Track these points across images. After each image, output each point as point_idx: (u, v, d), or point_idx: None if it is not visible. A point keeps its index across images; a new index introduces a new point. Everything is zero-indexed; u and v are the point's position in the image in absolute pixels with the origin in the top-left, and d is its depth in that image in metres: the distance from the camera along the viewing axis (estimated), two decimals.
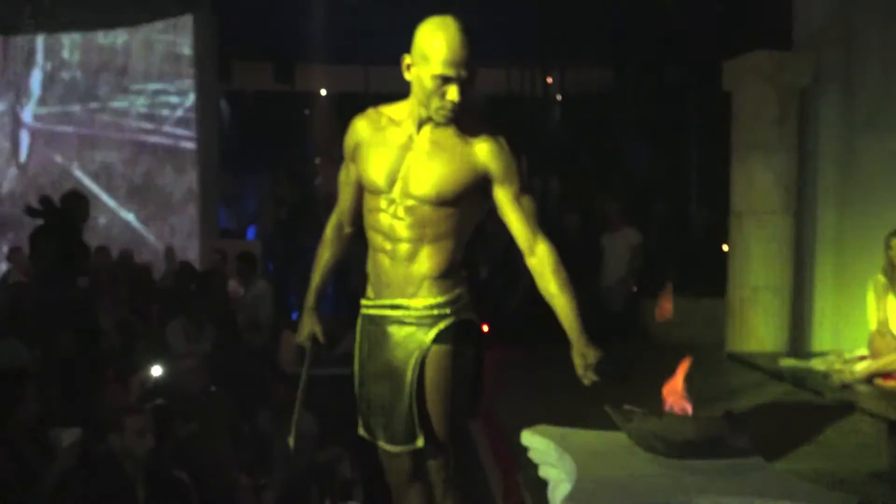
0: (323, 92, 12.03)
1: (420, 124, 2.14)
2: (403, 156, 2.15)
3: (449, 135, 2.13)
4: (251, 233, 11.00)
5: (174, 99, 7.78)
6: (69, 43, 7.55)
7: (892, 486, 2.91)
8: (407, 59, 2.09)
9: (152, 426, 3.07)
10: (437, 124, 2.12)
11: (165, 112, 7.78)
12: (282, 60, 10.86)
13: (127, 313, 5.11)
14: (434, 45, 2.01)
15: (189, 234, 7.80)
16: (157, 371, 3.58)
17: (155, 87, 7.76)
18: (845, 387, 4.26)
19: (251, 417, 4.63)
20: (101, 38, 7.56)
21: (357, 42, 9.62)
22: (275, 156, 12.00)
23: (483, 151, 2.12)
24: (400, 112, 2.19)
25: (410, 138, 2.16)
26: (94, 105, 7.60)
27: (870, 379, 4.30)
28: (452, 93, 2.03)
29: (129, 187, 7.69)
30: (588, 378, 1.96)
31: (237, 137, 11.26)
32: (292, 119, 12.20)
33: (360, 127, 2.23)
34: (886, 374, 4.29)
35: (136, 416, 3.07)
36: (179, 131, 7.84)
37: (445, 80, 2.02)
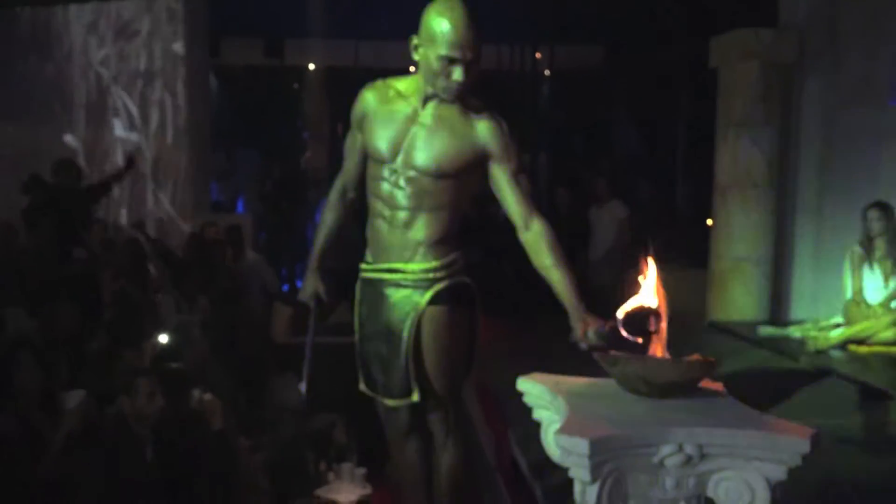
0: (312, 66, 12.05)
1: (425, 100, 2.26)
2: (408, 129, 2.27)
3: (452, 112, 2.25)
4: (240, 206, 11.10)
5: (164, 68, 7.78)
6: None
7: (861, 442, 3.12)
8: (414, 40, 2.20)
9: (162, 388, 3.20)
10: (442, 101, 2.23)
11: (156, 84, 7.80)
12: (271, 35, 10.88)
13: (122, 284, 5.18)
14: (440, 28, 2.12)
15: (181, 207, 7.86)
16: (164, 338, 3.70)
17: (144, 60, 7.76)
18: (820, 353, 4.45)
19: (247, 385, 4.76)
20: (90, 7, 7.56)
21: (347, 16, 9.64)
22: (264, 130, 12.04)
23: (483, 130, 2.24)
24: (408, 86, 2.30)
25: (416, 112, 2.28)
26: (89, 75, 7.63)
27: (844, 345, 4.49)
28: (458, 73, 2.14)
29: (121, 159, 7.74)
30: (588, 341, 2.01)
31: (227, 112, 11.29)
32: (282, 93, 12.24)
33: (369, 98, 2.34)
34: (860, 341, 4.49)
35: (148, 378, 3.20)
36: (170, 104, 7.86)
37: (451, 61, 2.13)
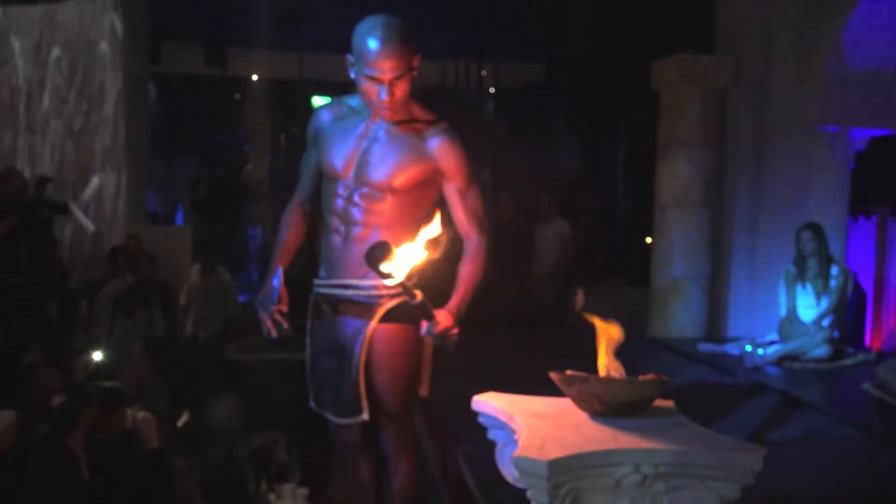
0: (255, 77, 11.88)
1: (376, 115, 2.25)
2: (360, 144, 2.26)
3: (405, 127, 2.24)
4: (179, 218, 10.81)
5: (102, 80, 7.56)
6: None
7: (795, 453, 3.22)
8: (350, 58, 2.18)
9: (96, 405, 3.06)
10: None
11: (91, 94, 7.55)
12: (213, 43, 10.68)
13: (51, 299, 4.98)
14: (364, 47, 2.11)
15: (116, 219, 7.61)
16: (98, 355, 3.55)
17: (80, 69, 7.52)
18: (756, 369, 4.59)
19: (189, 403, 4.62)
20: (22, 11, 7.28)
21: (291, 28, 9.55)
22: (204, 140, 11.78)
23: (435, 147, 2.24)
24: (360, 102, 2.29)
25: (368, 128, 2.27)
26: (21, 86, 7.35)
27: (778, 361, 4.64)
28: (381, 92, 2.14)
29: (54, 169, 7.44)
30: (436, 334, 2.06)
31: (166, 121, 11.01)
32: (223, 104, 12.02)
33: (322, 115, 2.35)
34: (794, 357, 4.65)
35: (79, 395, 3.06)
36: (107, 114, 7.62)
37: (374, 80, 2.12)
